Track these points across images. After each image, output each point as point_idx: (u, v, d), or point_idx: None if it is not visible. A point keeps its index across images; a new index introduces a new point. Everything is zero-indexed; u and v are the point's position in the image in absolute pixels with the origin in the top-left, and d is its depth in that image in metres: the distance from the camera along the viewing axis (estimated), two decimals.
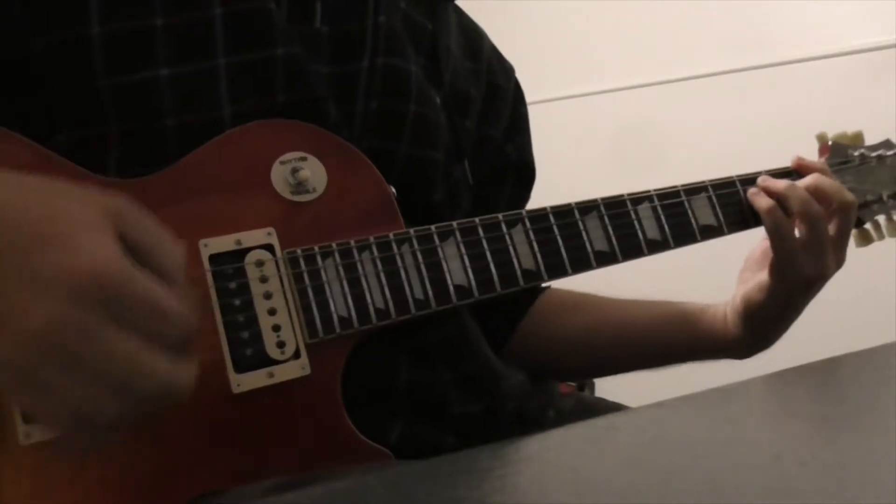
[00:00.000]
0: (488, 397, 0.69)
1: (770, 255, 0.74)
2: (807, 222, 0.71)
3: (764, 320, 0.77)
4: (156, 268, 0.45)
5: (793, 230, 0.72)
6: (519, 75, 0.87)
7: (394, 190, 0.63)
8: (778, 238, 0.71)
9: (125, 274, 0.42)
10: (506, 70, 0.86)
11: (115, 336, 0.41)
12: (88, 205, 0.44)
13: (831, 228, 0.72)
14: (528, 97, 0.87)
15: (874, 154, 0.85)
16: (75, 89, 0.57)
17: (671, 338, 0.82)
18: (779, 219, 0.71)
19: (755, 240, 0.77)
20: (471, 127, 0.76)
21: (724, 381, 0.53)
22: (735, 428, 0.45)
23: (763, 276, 0.74)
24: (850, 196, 0.74)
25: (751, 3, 2.33)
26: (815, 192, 0.72)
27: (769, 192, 0.73)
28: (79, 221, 0.43)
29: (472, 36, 0.83)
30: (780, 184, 0.73)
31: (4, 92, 0.59)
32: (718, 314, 0.80)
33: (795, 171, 0.77)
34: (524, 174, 0.86)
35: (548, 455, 0.40)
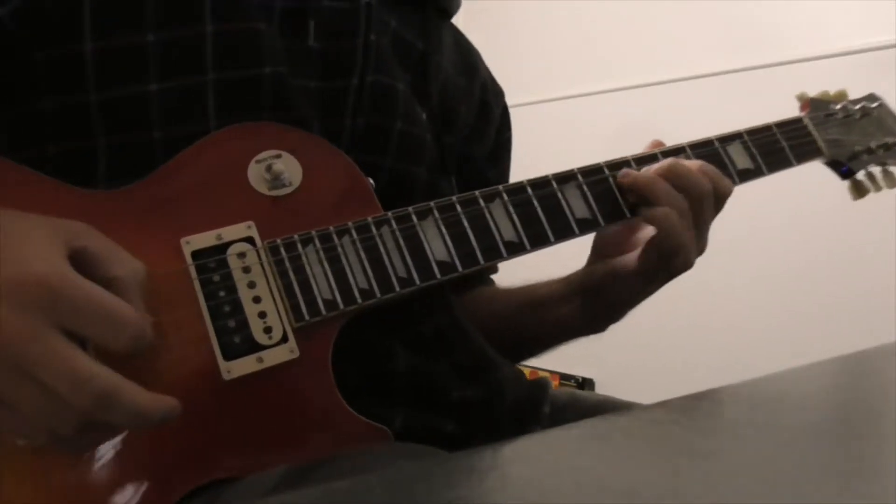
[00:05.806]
0: (486, 385, 0.70)
1: (635, 238, 0.73)
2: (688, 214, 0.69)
3: (615, 300, 0.76)
4: (107, 277, 0.48)
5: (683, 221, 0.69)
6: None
7: (372, 181, 0.63)
8: (669, 226, 0.68)
9: (66, 279, 0.44)
10: (497, 93, 0.87)
11: (58, 342, 0.43)
12: (40, 226, 0.47)
13: (696, 217, 0.70)
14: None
15: (857, 107, 0.85)
16: (66, 103, 0.59)
17: (528, 324, 0.82)
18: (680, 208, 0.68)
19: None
20: (453, 143, 0.77)
21: (724, 382, 0.53)
22: (735, 428, 0.45)
23: (626, 261, 0.74)
24: (705, 184, 0.70)
25: (751, 3, 2.34)
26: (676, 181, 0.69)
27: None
28: (27, 239, 0.46)
29: (468, 54, 0.85)
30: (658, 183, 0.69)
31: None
32: (557, 295, 0.79)
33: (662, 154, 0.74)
34: None
35: (548, 455, 0.40)
